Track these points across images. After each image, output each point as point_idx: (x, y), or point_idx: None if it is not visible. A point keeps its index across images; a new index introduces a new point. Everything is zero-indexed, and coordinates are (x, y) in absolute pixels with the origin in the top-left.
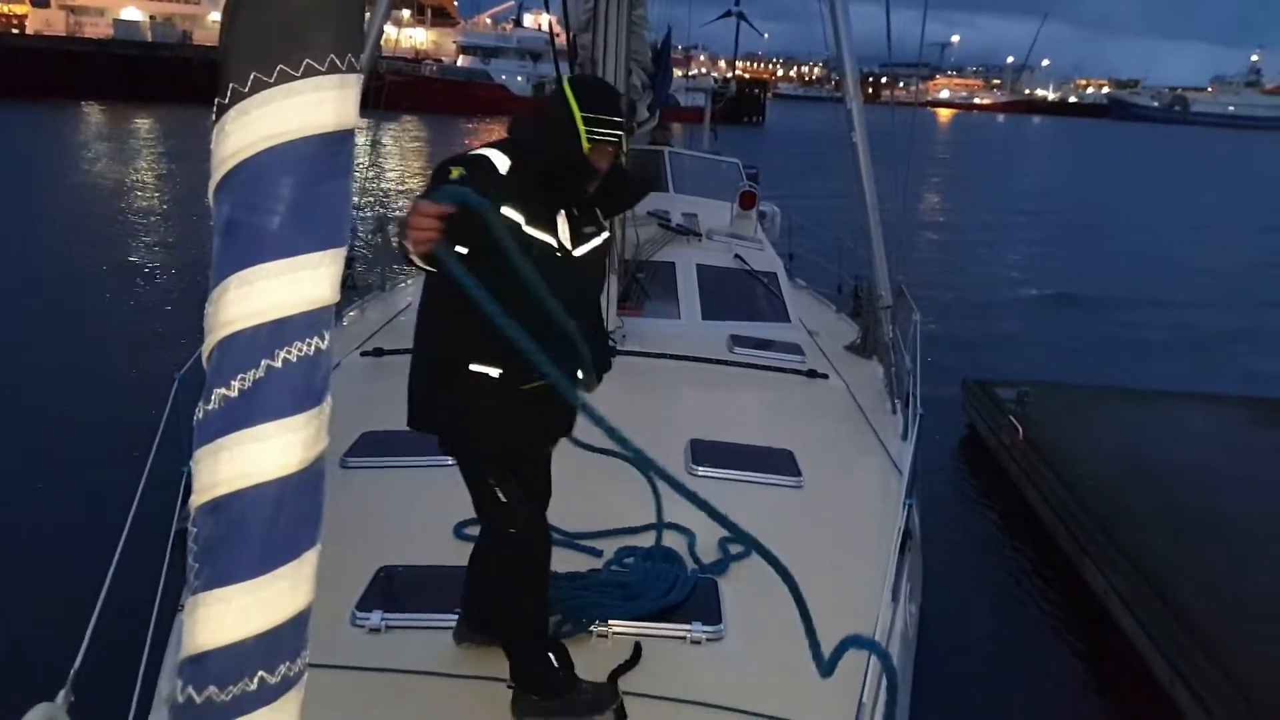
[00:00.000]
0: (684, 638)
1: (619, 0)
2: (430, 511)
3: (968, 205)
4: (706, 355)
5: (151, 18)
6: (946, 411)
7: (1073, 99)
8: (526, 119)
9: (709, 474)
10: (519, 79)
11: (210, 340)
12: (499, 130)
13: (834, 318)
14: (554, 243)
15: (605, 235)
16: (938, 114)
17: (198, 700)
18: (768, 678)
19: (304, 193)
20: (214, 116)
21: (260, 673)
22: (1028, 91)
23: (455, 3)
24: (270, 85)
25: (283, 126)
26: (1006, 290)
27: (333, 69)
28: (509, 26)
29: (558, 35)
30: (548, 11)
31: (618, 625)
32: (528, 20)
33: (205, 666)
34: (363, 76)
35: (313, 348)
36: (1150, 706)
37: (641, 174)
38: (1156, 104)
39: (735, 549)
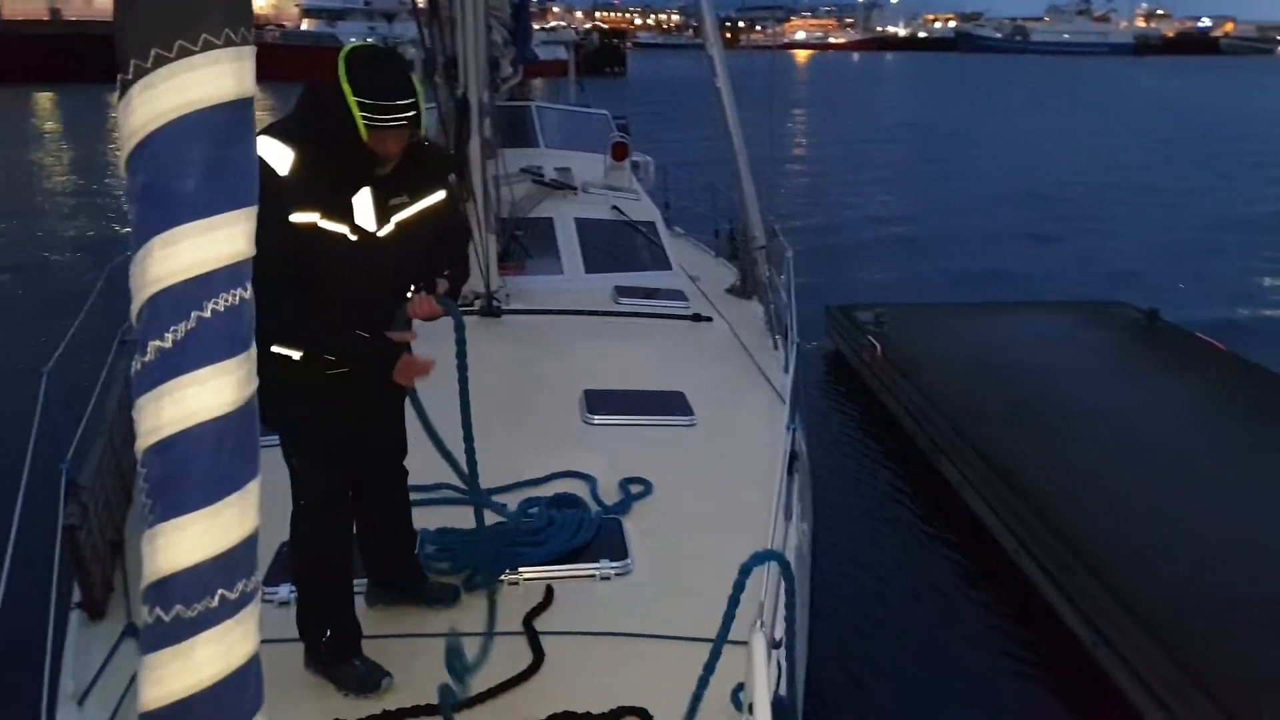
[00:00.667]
0: (593, 576)
1: None
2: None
3: (830, 142)
4: (593, 308)
5: None
6: (816, 338)
7: (922, 34)
8: (305, 101)
9: (606, 421)
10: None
11: (139, 298)
12: None
13: (713, 262)
14: (345, 231)
15: (429, 199)
16: (796, 55)
17: (166, 619)
18: (675, 604)
19: (214, 157)
20: (119, 92)
21: (220, 590)
22: (880, 29)
23: None
24: (172, 60)
25: (188, 97)
26: (869, 220)
27: (229, 42)
28: None
29: None
30: None
31: (528, 572)
32: None
33: (169, 589)
34: (255, 47)
35: (237, 298)
36: (999, 573)
37: (443, 151)
38: (999, 35)
39: (636, 489)
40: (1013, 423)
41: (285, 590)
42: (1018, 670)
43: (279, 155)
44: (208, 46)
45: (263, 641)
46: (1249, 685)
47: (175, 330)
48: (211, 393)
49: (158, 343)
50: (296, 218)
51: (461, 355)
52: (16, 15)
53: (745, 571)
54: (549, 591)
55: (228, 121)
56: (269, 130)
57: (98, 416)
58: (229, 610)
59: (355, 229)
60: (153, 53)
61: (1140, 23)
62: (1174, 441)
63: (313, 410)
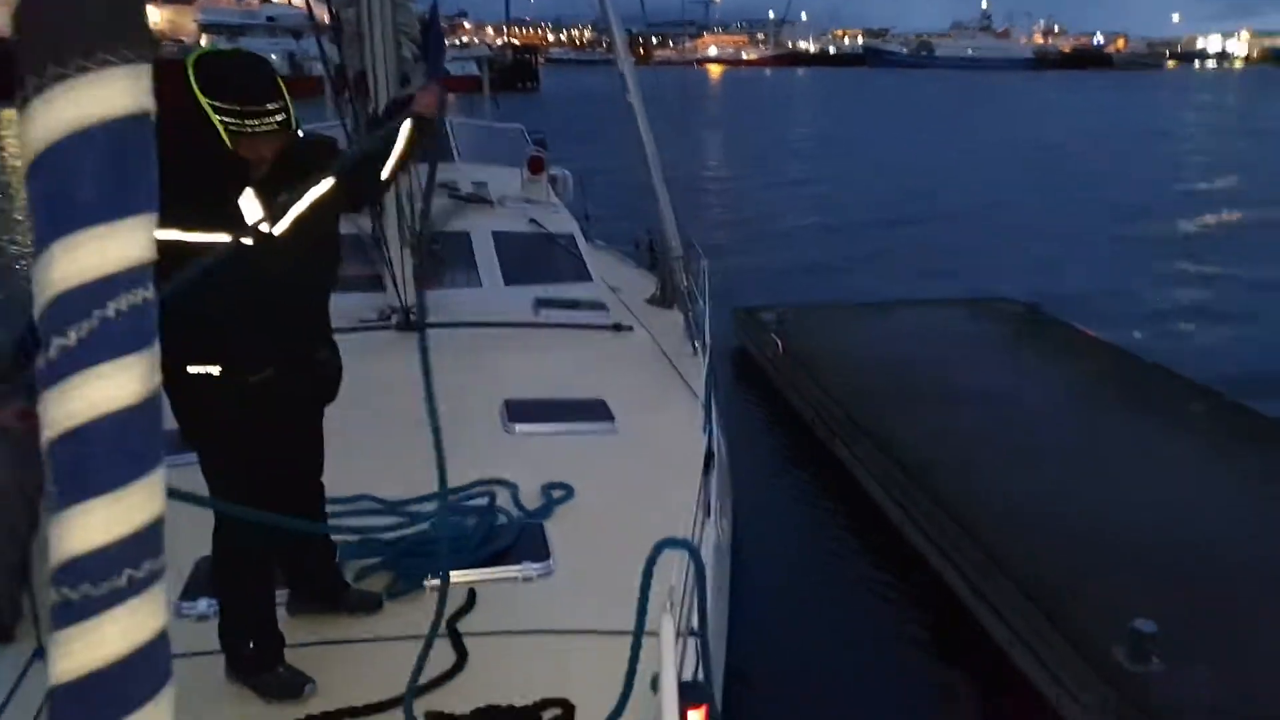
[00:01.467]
0: (516, 578)
1: None
2: None
3: (743, 154)
4: (513, 319)
5: None
6: (726, 339)
7: (832, 49)
8: (165, 119)
9: (527, 430)
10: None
11: (43, 299)
12: None
13: (634, 273)
14: (232, 238)
15: (319, 187)
16: (709, 71)
17: (75, 598)
18: (596, 601)
19: (112, 164)
20: (18, 109)
21: (128, 570)
22: (790, 45)
23: None
24: (70, 77)
25: (86, 112)
26: (781, 228)
27: (125, 60)
28: (256, 0)
29: (309, 6)
30: None
31: (453, 576)
32: None
33: (78, 569)
34: (151, 65)
35: (140, 298)
36: (887, 543)
37: (322, 139)
38: (905, 50)
39: (558, 494)
40: (899, 408)
41: (204, 604)
42: (903, 629)
43: None
44: (104, 64)
45: (184, 655)
46: (1100, 626)
47: (79, 328)
48: (116, 385)
49: (61, 340)
50: (161, 236)
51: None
52: None
53: (652, 559)
54: (471, 594)
55: (126, 135)
56: None
57: None
58: (137, 588)
59: (247, 232)
60: (50, 70)
61: (1039, 39)
62: (1045, 420)
63: (234, 424)
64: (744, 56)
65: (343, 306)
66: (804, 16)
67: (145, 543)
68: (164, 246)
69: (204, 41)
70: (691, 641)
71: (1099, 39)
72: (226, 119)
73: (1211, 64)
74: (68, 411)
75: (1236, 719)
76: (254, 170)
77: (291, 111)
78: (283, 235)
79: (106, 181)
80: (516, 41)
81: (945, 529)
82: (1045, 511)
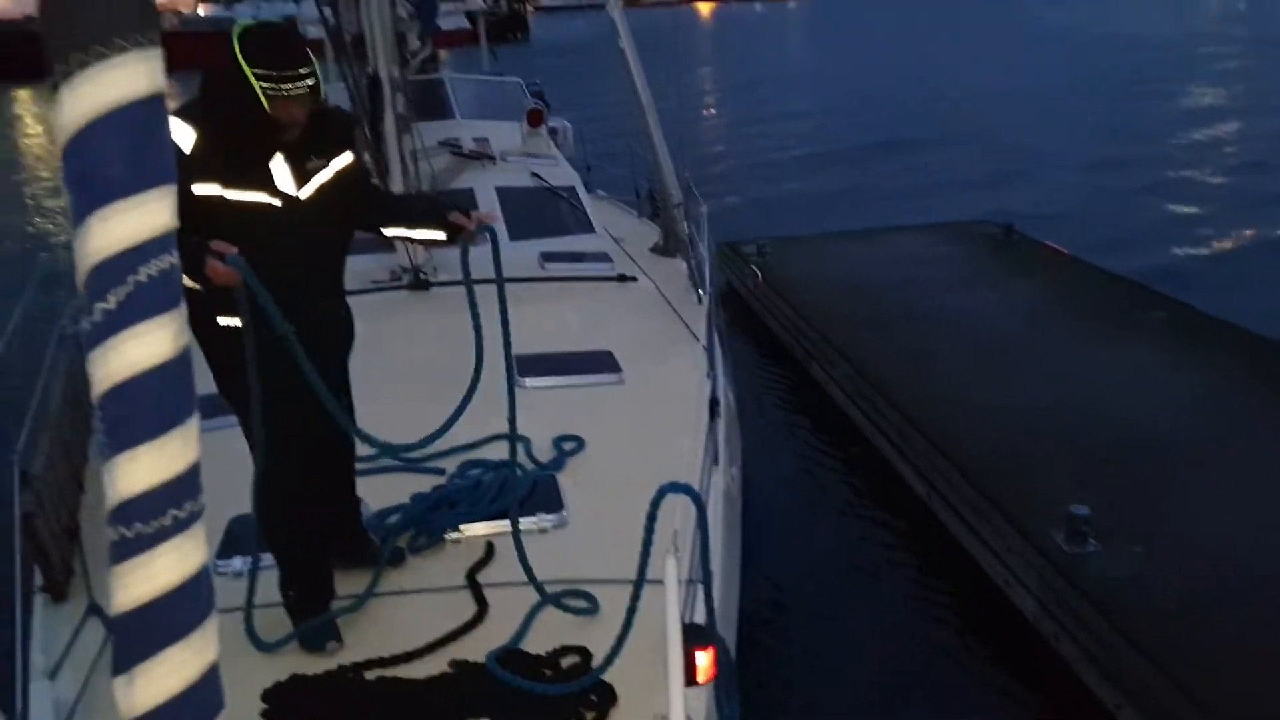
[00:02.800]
0: (531, 530)
1: None
2: None
3: (731, 91)
4: (519, 274)
5: None
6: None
7: None
8: (209, 80)
9: (537, 384)
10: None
11: (83, 269)
12: None
13: (636, 222)
14: (267, 198)
15: (340, 162)
16: (699, 9)
17: (130, 535)
18: (609, 550)
19: (134, 145)
20: (55, 93)
21: (171, 510)
22: None
23: None
24: (91, 64)
25: (109, 97)
26: (767, 161)
27: (138, 45)
28: None
29: None
30: None
31: (469, 530)
32: None
33: (128, 511)
34: (160, 49)
35: (166, 263)
36: (862, 457)
37: (343, 115)
38: None
39: (568, 446)
40: (872, 327)
41: (239, 562)
42: (878, 538)
43: (182, 134)
44: (120, 50)
45: (225, 610)
46: (1040, 512)
47: (116, 293)
48: (151, 344)
49: (102, 305)
50: (199, 190)
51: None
52: None
53: (655, 505)
54: (489, 547)
55: (144, 114)
56: (174, 113)
57: (44, 408)
58: (181, 526)
59: (277, 194)
60: (75, 59)
61: None
62: (1009, 331)
63: (267, 377)
64: None
65: (356, 268)
66: None
67: (185, 485)
68: (205, 200)
69: (201, 11)
70: (699, 586)
71: None
72: (264, 83)
73: None
74: (112, 369)
75: (1166, 594)
76: (285, 133)
77: (320, 79)
78: (308, 199)
79: (130, 158)
80: None
81: (906, 433)
82: (997, 407)
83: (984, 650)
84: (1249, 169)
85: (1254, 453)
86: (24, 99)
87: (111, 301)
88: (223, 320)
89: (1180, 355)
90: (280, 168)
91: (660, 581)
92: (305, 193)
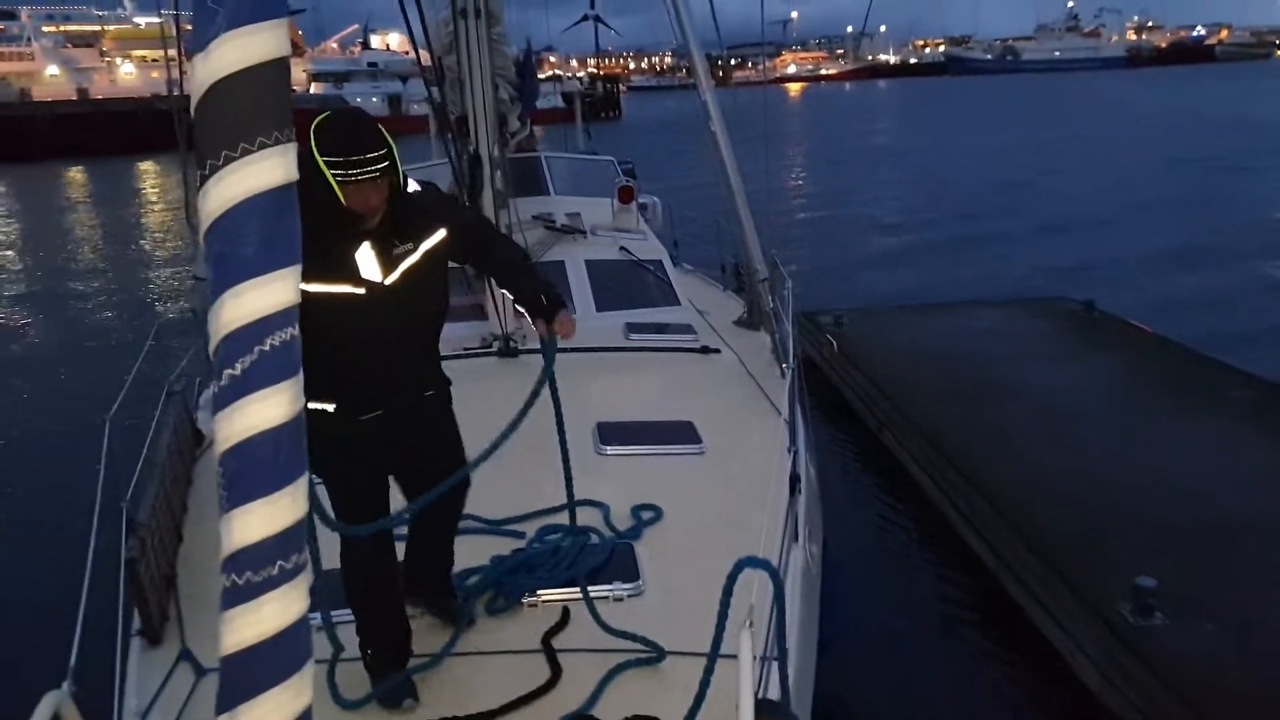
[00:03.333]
0: (607, 597)
1: (478, 22)
2: None
3: (825, 171)
4: (605, 344)
5: None
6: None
7: (913, 60)
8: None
9: (617, 452)
10: (373, 100)
11: (215, 339)
12: None
13: (721, 296)
14: (349, 288)
15: (431, 241)
16: (788, 89)
17: (240, 583)
18: (683, 621)
19: (267, 228)
20: (199, 184)
21: (279, 561)
22: (870, 58)
23: (300, 32)
24: (236, 158)
25: (247, 186)
26: (858, 240)
27: (276, 141)
28: (356, 50)
29: (407, 53)
30: (412, 42)
31: (546, 594)
32: (374, 41)
33: (241, 560)
34: (295, 144)
35: (288, 334)
36: (929, 523)
37: (433, 191)
38: (989, 56)
39: (647, 515)
40: (945, 399)
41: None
42: (946, 606)
43: None
44: (261, 146)
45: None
46: (1107, 584)
47: (243, 361)
48: (270, 407)
49: (230, 371)
50: None
51: (550, 380)
52: (46, 96)
53: (731, 579)
54: (565, 612)
55: (277, 201)
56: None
57: (152, 459)
58: (286, 576)
59: (362, 283)
60: (222, 154)
61: (1131, 35)
62: (1085, 406)
63: (345, 457)
64: (823, 72)
65: (448, 335)
66: (883, 29)
67: (292, 539)
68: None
69: (313, 89)
70: (774, 663)
71: (1199, 32)
72: (336, 170)
73: None
74: (235, 429)
75: (1238, 673)
76: (366, 221)
77: (396, 159)
78: (394, 284)
79: (263, 240)
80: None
81: (973, 502)
82: (1070, 484)
83: None
84: None
85: None
86: (148, 170)
87: (238, 368)
88: (311, 404)
89: (1261, 433)
90: (365, 256)
91: (735, 656)
92: (392, 279)
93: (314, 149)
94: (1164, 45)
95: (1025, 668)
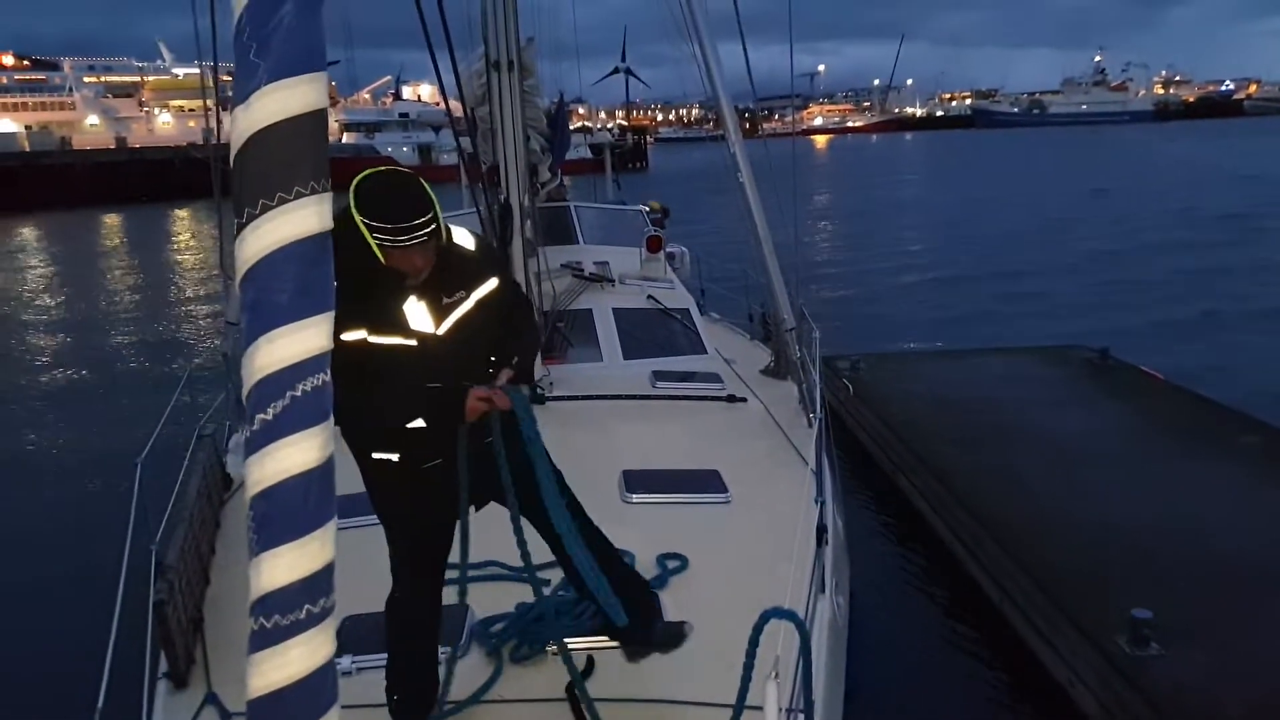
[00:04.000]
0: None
1: (511, 74)
2: (386, 563)
3: (852, 223)
4: (631, 392)
5: (28, 128)
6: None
7: (939, 113)
8: (335, 234)
9: (644, 499)
10: (404, 149)
11: (249, 383)
12: None
13: (748, 345)
14: (402, 340)
15: (483, 290)
16: (815, 140)
17: (268, 626)
18: (709, 671)
19: (303, 276)
20: (236, 231)
21: (306, 605)
22: (896, 110)
23: (334, 83)
24: (273, 207)
25: (284, 234)
26: (880, 286)
27: (313, 191)
28: (388, 101)
29: (438, 104)
30: (443, 93)
31: (571, 643)
32: (406, 92)
33: (269, 603)
34: (331, 193)
35: (320, 380)
36: (941, 563)
37: (484, 242)
38: (1016, 110)
39: (672, 564)
40: (958, 443)
41: (347, 660)
42: (959, 648)
43: None
44: (298, 195)
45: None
46: (1106, 617)
47: (275, 406)
48: (301, 453)
49: (262, 415)
50: (346, 337)
51: (533, 436)
52: (85, 144)
53: (757, 630)
54: (590, 661)
55: (312, 249)
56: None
57: (181, 503)
58: (314, 620)
59: (413, 335)
60: (260, 202)
61: (1159, 89)
62: (1096, 450)
63: (410, 504)
64: (850, 124)
65: None
66: (909, 82)
67: (320, 582)
68: (353, 346)
69: (345, 138)
70: (799, 716)
71: (1228, 86)
72: (378, 235)
73: None
74: (266, 474)
75: (1231, 703)
76: (411, 278)
77: (440, 221)
78: (447, 334)
79: (298, 288)
80: (626, 122)
81: (979, 538)
82: (1075, 524)
83: None
84: None
85: None
86: (182, 217)
87: (270, 413)
88: (375, 455)
89: (1267, 478)
90: (414, 308)
91: (760, 708)
92: (444, 328)
93: (355, 211)
94: (1192, 99)
95: (1031, 703)
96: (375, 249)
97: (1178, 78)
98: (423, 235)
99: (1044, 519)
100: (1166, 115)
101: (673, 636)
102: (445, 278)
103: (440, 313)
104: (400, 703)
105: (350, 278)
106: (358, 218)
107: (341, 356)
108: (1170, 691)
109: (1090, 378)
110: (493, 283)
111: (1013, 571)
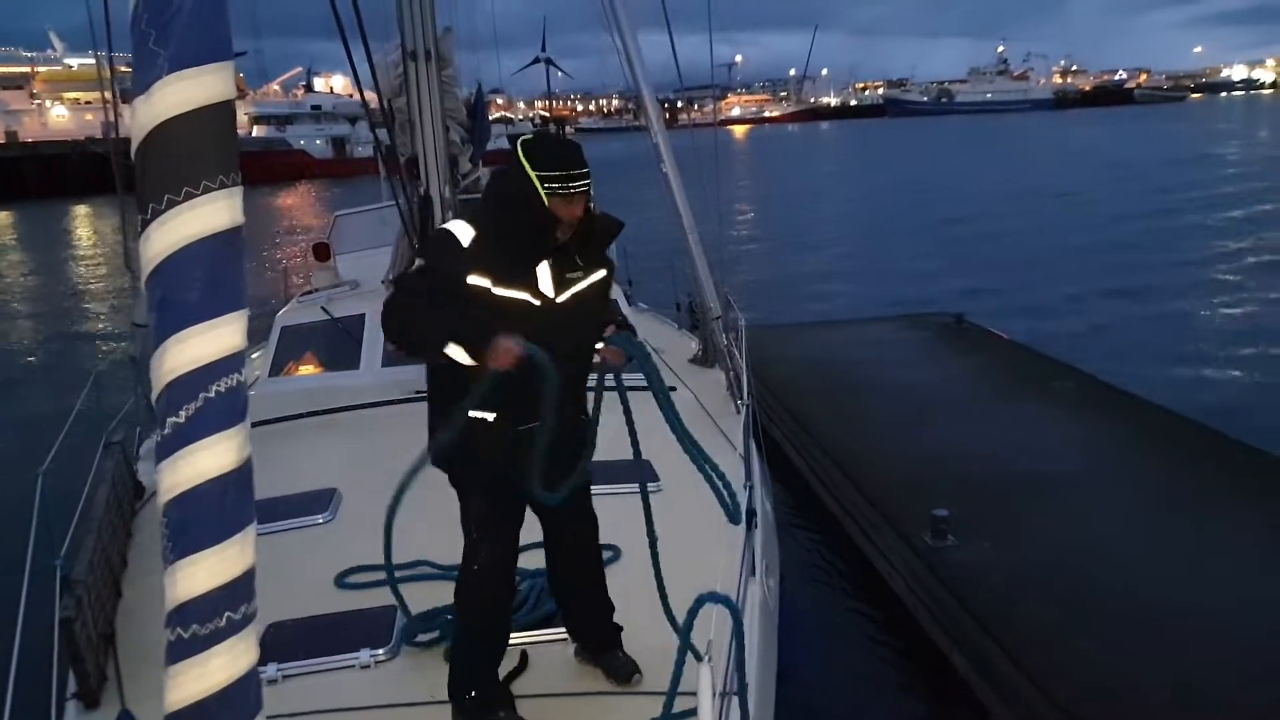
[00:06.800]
0: (566, 639)
1: (429, 64)
2: (311, 567)
3: (771, 209)
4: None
5: None
6: None
7: (853, 102)
8: (491, 188)
9: None
10: (317, 142)
11: (159, 385)
12: (308, 194)
13: (676, 334)
14: (528, 297)
15: (597, 275)
16: (734, 131)
17: (185, 636)
18: (642, 661)
19: (212, 273)
20: (140, 228)
21: (227, 613)
22: (812, 100)
23: (242, 75)
24: (180, 202)
25: (192, 230)
26: (805, 272)
27: (221, 185)
28: (300, 93)
29: (352, 96)
30: (356, 85)
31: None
32: (318, 84)
33: (187, 612)
34: (241, 187)
35: (234, 380)
36: (808, 503)
37: (611, 221)
38: (926, 99)
39: (605, 555)
40: (819, 394)
41: (273, 669)
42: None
43: (463, 232)
44: (206, 190)
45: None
46: (917, 520)
47: (188, 408)
48: (216, 455)
49: (174, 419)
50: (472, 280)
51: (652, 371)
52: None
53: (691, 614)
54: (523, 656)
55: (222, 245)
56: (462, 216)
57: (88, 513)
58: (235, 628)
59: (538, 295)
60: (165, 197)
61: (1058, 79)
62: (937, 398)
63: (497, 465)
64: (767, 114)
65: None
66: (824, 72)
67: (241, 589)
68: (473, 291)
69: (255, 131)
70: (734, 698)
71: (1121, 76)
72: (549, 182)
73: (1239, 93)
74: (180, 479)
75: (1006, 578)
76: (561, 232)
77: (591, 182)
78: (565, 303)
79: (208, 285)
80: (546, 113)
81: (838, 481)
82: (907, 454)
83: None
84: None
85: (1099, 480)
86: (82, 213)
87: (183, 416)
88: (472, 412)
89: (1073, 414)
90: (545, 272)
91: (694, 693)
92: (564, 297)
93: (525, 162)
94: (1088, 88)
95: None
96: (543, 195)
97: (1074, 67)
98: (586, 183)
99: (882, 451)
100: (1065, 103)
101: (626, 672)
102: (578, 250)
103: (563, 283)
104: (477, 700)
105: (504, 230)
106: (529, 168)
107: (438, 286)
108: (959, 572)
109: (945, 340)
110: (604, 272)
111: (850, 493)
